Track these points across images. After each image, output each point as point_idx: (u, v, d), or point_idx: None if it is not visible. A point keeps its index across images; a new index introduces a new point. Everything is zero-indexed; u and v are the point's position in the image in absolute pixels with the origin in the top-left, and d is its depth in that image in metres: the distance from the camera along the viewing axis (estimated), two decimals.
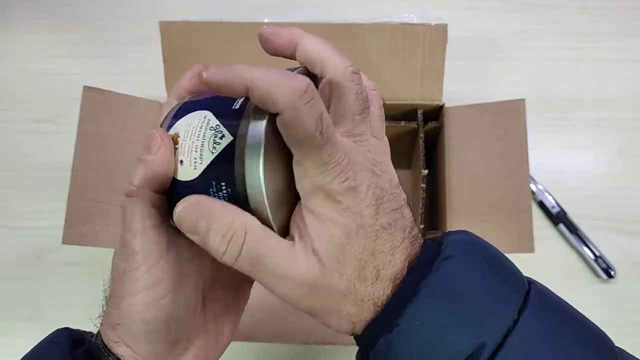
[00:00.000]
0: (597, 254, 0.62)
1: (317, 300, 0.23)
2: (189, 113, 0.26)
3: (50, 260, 0.63)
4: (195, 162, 0.24)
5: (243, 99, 0.24)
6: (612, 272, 0.61)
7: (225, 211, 0.23)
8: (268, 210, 0.23)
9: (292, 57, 0.25)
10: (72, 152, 0.50)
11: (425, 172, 0.53)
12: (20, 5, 0.77)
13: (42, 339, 0.29)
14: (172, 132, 0.25)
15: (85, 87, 0.51)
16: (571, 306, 0.25)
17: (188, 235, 0.23)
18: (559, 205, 0.64)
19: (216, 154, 0.23)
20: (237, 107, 0.24)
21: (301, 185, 0.23)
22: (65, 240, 0.48)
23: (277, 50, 0.26)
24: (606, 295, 0.61)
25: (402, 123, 0.56)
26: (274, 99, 0.21)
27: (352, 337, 0.26)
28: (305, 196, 0.23)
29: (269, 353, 0.59)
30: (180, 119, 0.26)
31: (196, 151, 0.24)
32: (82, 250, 0.49)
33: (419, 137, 0.55)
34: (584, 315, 0.25)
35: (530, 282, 0.25)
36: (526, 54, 0.73)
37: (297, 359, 0.59)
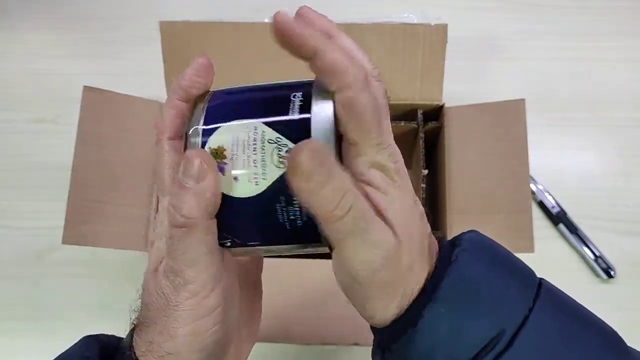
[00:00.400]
0: (597, 254, 0.62)
1: (384, 274, 0.23)
2: (226, 122, 0.24)
3: (50, 260, 0.63)
4: (257, 178, 0.23)
5: (298, 107, 0.24)
6: (612, 272, 0.61)
7: (341, 171, 0.22)
8: None
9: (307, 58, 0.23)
10: (72, 152, 0.50)
11: (425, 172, 0.53)
12: (20, 5, 0.77)
13: (68, 347, 0.27)
14: (212, 145, 0.24)
15: (85, 87, 0.51)
16: (578, 303, 0.26)
17: (295, 180, 0.21)
18: (559, 205, 0.64)
19: (285, 168, 0.22)
20: (296, 117, 0.23)
21: (356, 164, 0.23)
22: (65, 240, 0.48)
23: (291, 50, 0.23)
24: (606, 295, 0.61)
25: (402, 123, 0.56)
26: (344, 72, 0.21)
27: (371, 329, 0.27)
28: (362, 174, 0.23)
29: (268, 353, 0.59)
30: (216, 130, 0.24)
31: (256, 166, 0.23)
32: (82, 250, 0.49)
33: (419, 137, 0.55)
34: (591, 312, 0.26)
35: (540, 278, 0.26)
36: (526, 54, 0.73)
37: (297, 359, 0.59)
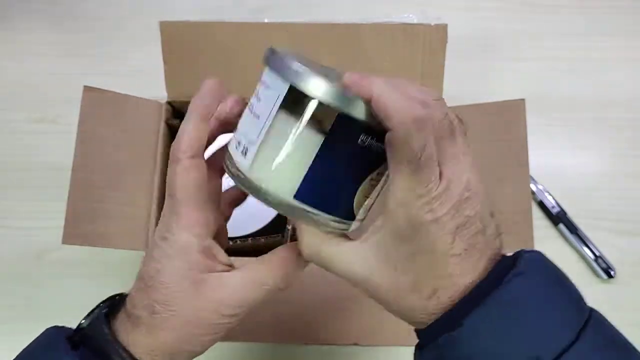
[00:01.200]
0: (597, 254, 0.62)
1: (373, 294, 0.27)
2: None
3: (50, 260, 0.63)
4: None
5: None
6: (612, 272, 0.61)
7: (300, 231, 0.30)
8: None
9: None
10: (72, 152, 0.50)
11: None
12: (20, 5, 0.77)
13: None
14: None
15: (85, 87, 0.51)
16: (627, 340, 0.26)
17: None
18: (559, 205, 0.64)
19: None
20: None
21: (389, 201, 0.25)
22: (65, 240, 0.47)
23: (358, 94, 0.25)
24: (606, 295, 0.61)
25: None
26: (390, 117, 0.24)
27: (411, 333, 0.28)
28: (387, 210, 0.25)
29: (268, 353, 0.59)
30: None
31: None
32: (82, 250, 0.49)
33: None
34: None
35: (592, 310, 0.26)
36: (526, 54, 0.73)
37: (296, 359, 0.59)
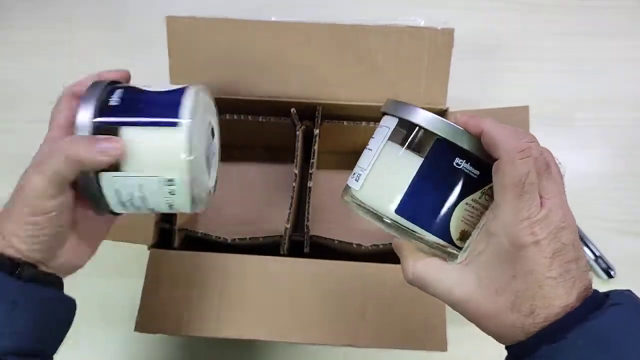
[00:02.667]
0: (597, 254, 0.62)
1: (469, 314, 0.30)
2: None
3: None
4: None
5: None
6: (612, 272, 0.61)
7: (403, 254, 0.33)
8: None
9: (477, 135, 0.29)
10: None
11: None
12: (20, 5, 0.77)
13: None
14: None
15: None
16: None
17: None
18: None
19: None
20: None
21: (491, 225, 0.28)
22: None
23: (466, 126, 0.30)
24: None
25: None
26: (496, 145, 0.28)
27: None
28: (490, 236, 0.28)
29: (263, 352, 0.59)
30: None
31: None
32: None
33: None
34: None
35: None
36: (526, 55, 0.73)
37: (296, 359, 0.59)
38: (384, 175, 0.31)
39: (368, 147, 0.33)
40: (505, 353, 0.30)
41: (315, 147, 0.55)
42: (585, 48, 0.72)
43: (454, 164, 0.30)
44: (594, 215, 0.64)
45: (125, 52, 0.73)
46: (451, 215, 0.30)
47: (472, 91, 0.68)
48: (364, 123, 0.58)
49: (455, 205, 0.30)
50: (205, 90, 0.37)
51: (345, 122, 0.58)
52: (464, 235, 0.31)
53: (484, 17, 0.75)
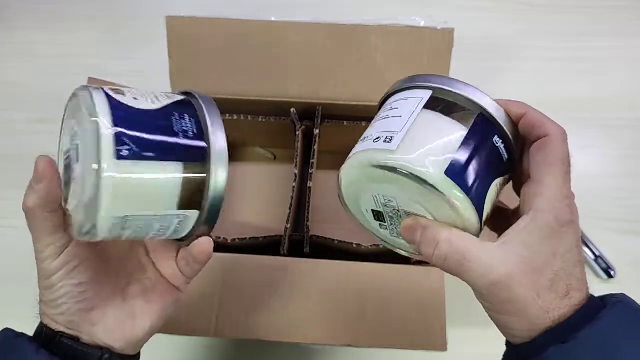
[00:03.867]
0: (597, 254, 0.62)
1: (508, 294, 0.27)
2: None
3: None
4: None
5: None
6: (612, 272, 0.61)
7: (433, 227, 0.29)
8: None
9: (518, 119, 0.30)
10: None
11: None
12: (20, 5, 0.77)
13: None
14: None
15: (90, 78, 0.51)
16: None
17: (410, 241, 0.31)
18: None
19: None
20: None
21: (534, 202, 0.28)
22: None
23: (507, 107, 0.30)
24: None
25: None
26: (544, 124, 0.29)
27: (509, 345, 0.30)
28: (534, 211, 0.28)
29: (262, 351, 0.59)
30: None
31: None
32: None
33: None
34: None
35: None
36: (526, 55, 0.73)
37: (296, 359, 0.59)
38: (428, 138, 0.29)
39: (390, 115, 0.31)
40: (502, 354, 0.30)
41: (315, 147, 0.55)
42: (585, 48, 0.72)
43: (493, 140, 0.29)
44: (594, 215, 0.64)
45: (125, 52, 0.73)
46: (487, 191, 0.29)
47: None
48: (364, 123, 0.58)
49: (489, 185, 0.29)
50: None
51: (345, 122, 0.58)
52: (488, 216, 0.30)
53: (484, 17, 0.75)
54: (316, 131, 0.55)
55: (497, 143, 0.29)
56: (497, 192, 0.30)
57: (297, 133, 0.56)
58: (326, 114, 0.57)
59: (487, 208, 0.29)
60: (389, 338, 0.47)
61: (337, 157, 0.68)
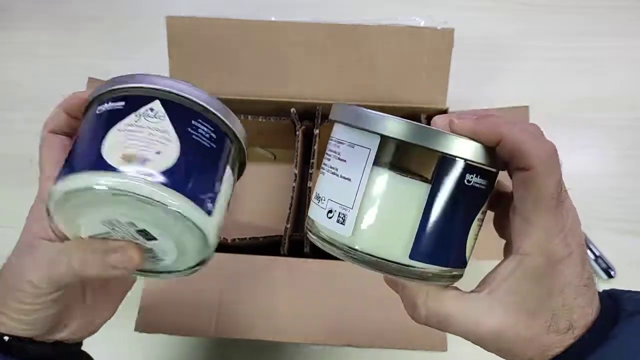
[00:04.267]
0: (597, 254, 0.62)
1: (502, 345, 0.26)
2: None
3: None
4: None
5: None
6: (612, 272, 0.61)
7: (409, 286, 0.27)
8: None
9: (492, 146, 0.25)
10: None
11: None
12: (20, 5, 0.77)
13: None
14: None
15: (90, 78, 0.51)
16: None
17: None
18: None
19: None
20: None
21: (520, 243, 0.25)
22: None
23: (476, 136, 0.25)
24: None
25: None
26: (525, 153, 0.23)
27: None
28: (521, 255, 0.25)
29: (261, 351, 0.59)
30: None
31: None
32: None
33: None
34: None
35: None
36: (526, 55, 0.73)
37: (295, 359, 0.59)
38: (383, 214, 0.24)
39: (339, 172, 0.26)
40: None
41: (315, 147, 0.55)
42: (585, 48, 0.72)
43: (465, 181, 0.24)
44: (594, 215, 0.64)
45: (125, 52, 0.73)
46: (467, 239, 0.26)
47: (472, 91, 0.68)
48: None
49: (469, 227, 0.26)
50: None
51: None
52: (470, 253, 0.27)
53: (484, 17, 0.75)
54: (316, 131, 0.55)
55: (471, 181, 0.25)
56: (479, 225, 0.27)
57: (297, 133, 0.56)
58: (326, 114, 0.57)
59: (470, 249, 0.26)
60: (389, 338, 0.47)
61: None
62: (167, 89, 0.27)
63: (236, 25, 0.55)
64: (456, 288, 0.27)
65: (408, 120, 0.24)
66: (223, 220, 0.30)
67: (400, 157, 0.24)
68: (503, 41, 0.73)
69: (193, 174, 0.26)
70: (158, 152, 0.25)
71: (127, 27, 0.75)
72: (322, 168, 0.28)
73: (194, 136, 0.27)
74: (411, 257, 0.25)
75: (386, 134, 0.24)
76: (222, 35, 0.55)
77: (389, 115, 0.24)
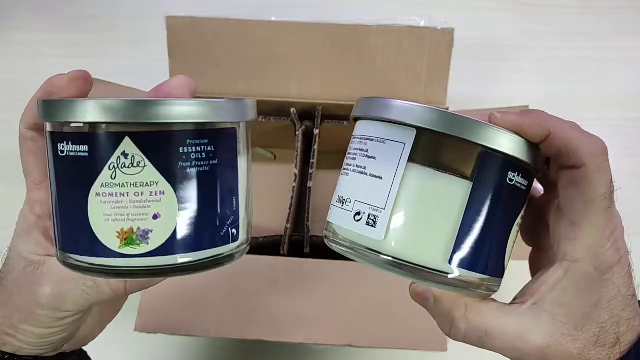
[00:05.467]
0: None
1: (550, 358, 0.24)
2: None
3: None
4: None
5: None
6: None
7: (447, 300, 0.25)
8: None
9: (538, 142, 0.23)
10: None
11: None
12: (20, 5, 0.77)
13: None
14: None
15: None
16: None
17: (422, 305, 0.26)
18: None
19: None
20: None
21: (568, 248, 0.23)
22: None
23: (521, 130, 0.23)
24: None
25: None
26: (576, 150, 0.22)
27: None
28: (568, 262, 0.23)
29: (261, 351, 0.59)
30: None
31: None
32: None
33: None
34: None
35: None
36: (526, 55, 0.72)
37: (290, 358, 0.59)
38: (420, 215, 0.22)
39: (367, 169, 0.24)
40: None
41: (315, 147, 0.55)
42: (585, 48, 0.72)
43: (507, 180, 0.22)
44: None
45: (125, 52, 0.73)
46: (507, 244, 0.24)
47: (472, 91, 0.68)
48: None
49: (510, 232, 0.24)
50: None
51: (345, 122, 0.58)
52: (509, 260, 0.25)
53: (484, 17, 0.74)
54: (316, 131, 0.55)
55: (513, 180, 0.23)
56: (517, 231, 0.25)
57: (297, 133, 0.56)
58: (326, 114, 0.57)
59: (509, 252, 0.24)
60: (389, 338, 0.47)
61: (337, 157, 0.68)
62: (133, 120, 0.21)
63: (236, 25, 0.55)
64: (495, 300, 0.25)
65: (446, 110, 0.22)
66: (249, 210, 0.28)
67: (437, 152, 0.22)
68: (503, 41, 0.73)
69: (204, 217, 0.23)
70: (156, 217, 0.22)
71: (127, 27, 0.75)
72: (344, 169, 0.26)
73: (188, 170, 0.22)
74: (450, 262, 0.22)
75: (424, 125, 0.22)
76: (222, 35, 0.55)
77: (426, 105, 0.22)
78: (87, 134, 0.22)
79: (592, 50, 0.72)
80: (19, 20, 0.76)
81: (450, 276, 0.23)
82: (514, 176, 0.23)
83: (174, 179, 0.22)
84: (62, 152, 0.22)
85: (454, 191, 0.22)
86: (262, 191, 0.66)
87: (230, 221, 0.24)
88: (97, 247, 0.22)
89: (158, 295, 0.49)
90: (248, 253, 0.50)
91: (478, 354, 0.47)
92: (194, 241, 0.22)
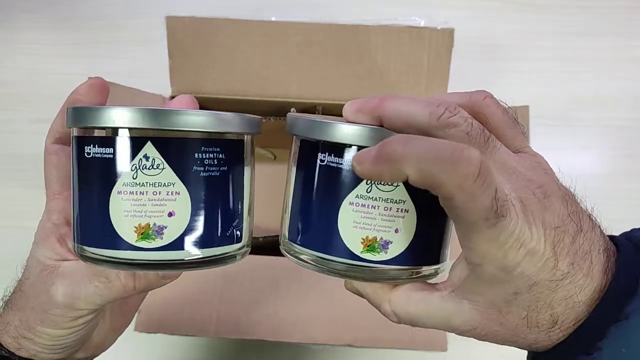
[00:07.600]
0: None
1: (484, 336, 0.25)
2: None
3: None
4: None
5: None
6: None
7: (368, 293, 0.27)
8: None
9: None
10: None
11: None
12: (20, 5, 0.77)
13: None
14: None
15: (89, 78, 0.51)
16: None
17: None
18: None
19: None
20: None
21: (467, 254, 0.23)
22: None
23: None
24: None
25: None
26: (440, 186, 0.19)
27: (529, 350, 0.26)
28: (471, 264, 0.23)
29: (261, 351, 0.59)
30: None
31: None
32: None
33: None
34: None
35: None
36: (526, 55, 0.72)
37: (295, 359, 0.59)
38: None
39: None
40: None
41: None
42: (585, 48, 0.72)
43: (319, 160, 0.26)
44: (594, 215, 0.64)
45: (125, 52, 0.73)
46: (337, 221, 0.25)
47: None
48: None
49: (338, 209, 0.25)
50: None
51: None
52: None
53: (484, 17, 0.75)
54: None
55: (324, 160, 0.25)
56: (356, 212, 0.25)
57: None
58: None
59: (349, 232, 0.25)
60: (389, 338, 0.47)
61: None
62: (156, 126, 0.23)
63: (236, 25, 0.55)
64: (423, 284, 0.26)
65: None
66: (251, 215, 0.31)
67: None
68: (503, 41, 0.73)
69: (213, 217, 0.25)
70: (171, 214, 0.24)
71: (127, 27, 0.75)
72: None
73: (201, 173, 0.25)
74: (295, 241, 0.26)
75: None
76: (222, 35, 0.55)
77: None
78: (113, 138, 0.24)
79: (591, 50, 0.72)
80: (19, 20, 0.76)
81: (298, 251, 0.26)
82: (324, 157, 0.25)
83: (189, 181, 0.24)
84: (89, 154, 0.24)
85: (290, 177, 0.28)
86: (262, 191, 0.66)
87: (235, 223, 0.27)
88: (115, 240, 0.24)
89: (158, 295, 0.49)
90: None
91: (478, 354, 0.48)
92: (203, 238, 0.25)
